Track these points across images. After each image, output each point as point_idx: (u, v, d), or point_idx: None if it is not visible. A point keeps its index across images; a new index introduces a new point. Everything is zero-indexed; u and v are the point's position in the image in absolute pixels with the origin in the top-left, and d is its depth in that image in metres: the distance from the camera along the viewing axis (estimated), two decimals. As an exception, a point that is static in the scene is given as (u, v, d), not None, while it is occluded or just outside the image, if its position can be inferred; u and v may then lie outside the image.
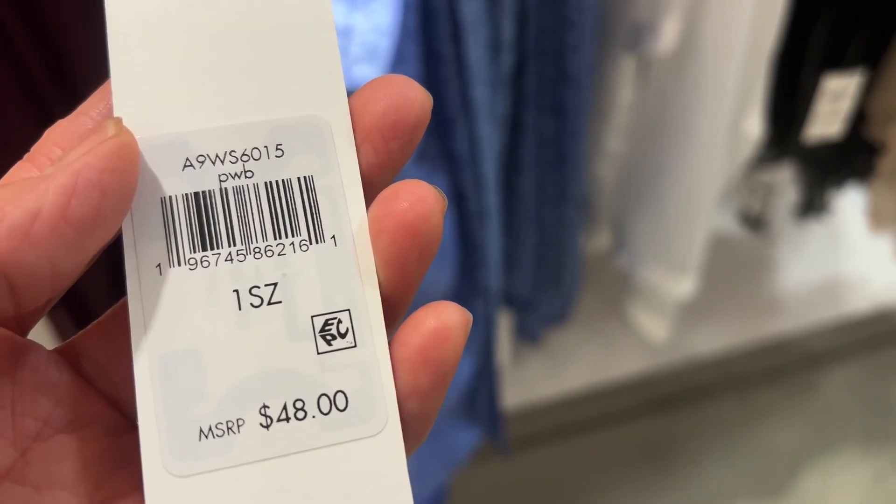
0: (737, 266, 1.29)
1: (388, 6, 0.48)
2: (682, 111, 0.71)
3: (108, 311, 0.21)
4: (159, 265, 0.18)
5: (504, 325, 1.03)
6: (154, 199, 0.18)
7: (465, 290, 0.71)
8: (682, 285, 0.83)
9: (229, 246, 0.19)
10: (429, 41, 0.56)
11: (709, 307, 1.21)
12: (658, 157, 0.76)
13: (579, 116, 0.70)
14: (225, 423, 0.18)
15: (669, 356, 1.17)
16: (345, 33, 0.48)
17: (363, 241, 0.19)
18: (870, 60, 0.87)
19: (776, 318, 1.23)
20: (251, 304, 0.18)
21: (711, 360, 1.20)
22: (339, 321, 0.19)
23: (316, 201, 0.19)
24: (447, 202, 0.19)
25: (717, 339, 1.20)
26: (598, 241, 0.97)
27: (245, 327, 0.18)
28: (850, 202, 1.33)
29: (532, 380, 1.13)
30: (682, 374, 1.19)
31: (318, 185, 0.19)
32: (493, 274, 0.71)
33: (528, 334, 1.01)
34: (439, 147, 0.61)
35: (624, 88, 0.74)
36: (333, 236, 0.19)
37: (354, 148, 0.20)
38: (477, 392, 0.82)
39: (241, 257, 0.19)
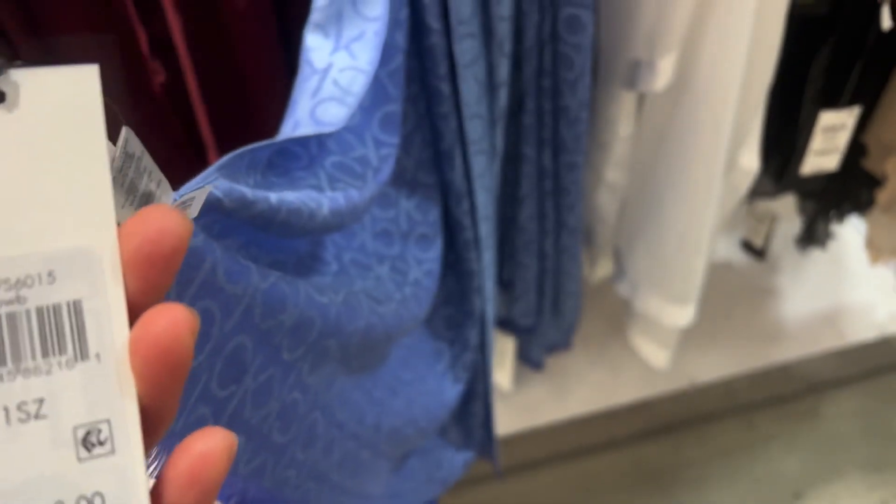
0: (741, 293, 1.30)
1: (372, 45, 0.50)
2: (680, 145, 0.73)
3: None
4: None
5: (509, 351, 1.04)
6: None
7: (459, 318, 0.72)
8: (681, 316, 0.84)
9: (1, 367, 0.21)
10: (427, 79, 0.58)
11: (713, 334, 1.22)
12: (657, 189, 0.77)
13: (577, 150, 0.72)
14: None
15: (674, 382, 1.17)
16: (324, 71, 0.49)
17: (123, 359, 0.22)
18: (867, 95, 0.88)
19: (781, 345, 1.24)
20: (19, 419, 0.21)
21: (716, 386, 1.20)
22: (100, 430, 0.21)
23: (83, 323, 0.22)
24: (199, 322, 0.22)
25: (721, 365, 1.21)
26: (602, 267, 0.98)
27: (12, 440, 0.20)
28: (855, 231, 1.34)
29: (536, 404, 1.14)
30: (686, 399, 1.20)
31: (86, 307, 0.22)
32: (488, 301, 0.72)
33: (530, 361, 1.02)
34: (435, 178, 0.63)
35: (624, 122, 0.76)
36: (97, 354, 0.22)
37: (121, 274, 0.22)
38: (471, 415, 0.84)
39: (12, 377, 0.21)
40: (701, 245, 0.77)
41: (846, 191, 1.11)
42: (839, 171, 0.97)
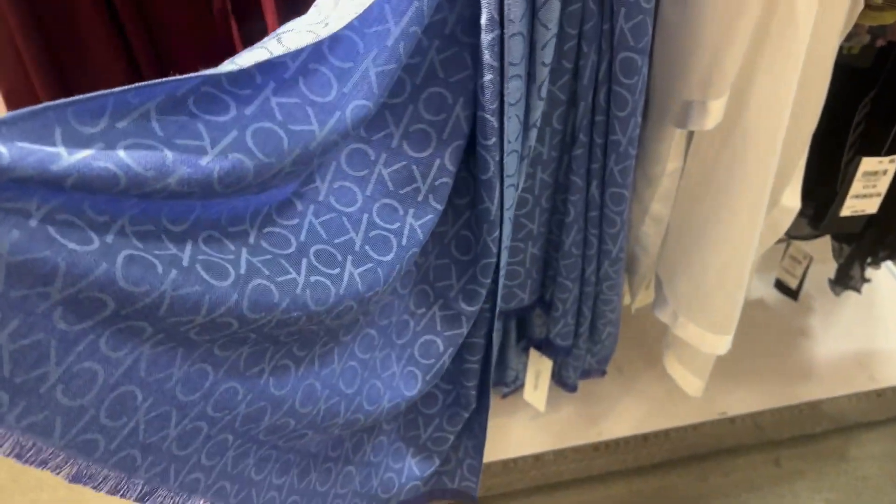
0: (774, 332, 1.32)
1: (342, 21, 0.51)
2: (727, 181, 0.76)
3: None
4: None
5: (545, 372, 1.07)
6: None
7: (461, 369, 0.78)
8: (720, 345, 0.87)
9: None
10: (479, 112, 0.62)
11: (745, 370, 1.24)
12: (702, 222, 0.81)
13: (624, 183, 0.76)
14: None
15: (703, 414, 1.20)
16: (274, 33, 0.51)
17: None
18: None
19: (811, 384, 1.25)
20: None
21: (745, 419, 1.22)
22: None
23: None
24: None
25: (751, 400, 1.22)
26: (642, 297, 1.01)
27: None
28: (891, 277, 1.36)
29: (566, 426, 1.17)
30: (714, 431, 1.22)
31: None
32: (496, 331, 0.77)
33: (565, 384, 1.05)
34: (445, 205, 0.67)
35: (672, 158, 0.80)
36: None
37: None
38: (460, 448, 0.88)
39: None
40: (742, 278, 0.80)
41: (883, 237, 1.13)
42: (877, 218, 1.00)
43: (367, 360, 0.71)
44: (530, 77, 0.64)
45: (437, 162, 0.64)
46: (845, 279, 1.22)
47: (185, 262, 0.49)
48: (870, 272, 1.21)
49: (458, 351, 0.78)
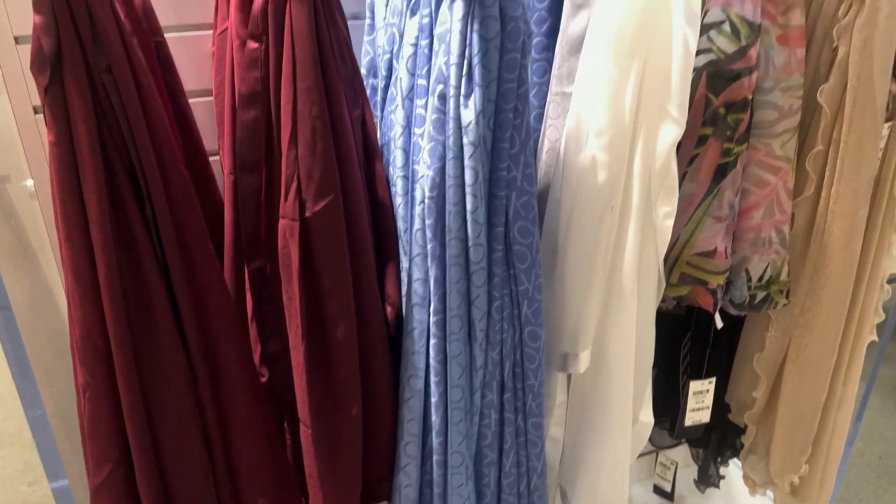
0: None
1: None
2: (602, 407, 1.08)
3: None
4: None
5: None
6: None
7: None
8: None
9: None
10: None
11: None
12: (588, 439, 1.11)
13: (540, 413, 1.06)
14: None
15: None
16: None
17: None
18: (720, 367, 1.29)
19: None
20: None
21: None
22: None
23: None
24: None
25: None
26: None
27: None
28: (737, 469, 1.68)
29: None
30: None
31: None
32: None
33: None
34: None
35: (559, 393, 1.11)
36: None
37: None
38: None
39: None
40: (625, 476, 1.09)
41: (724, 441, 1.47)
42: (717, 425, 1.34)
43: None
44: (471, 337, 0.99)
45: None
46: (706, 477, 1.53)
47: None
48: (723, 469, 1.53)
49: None
